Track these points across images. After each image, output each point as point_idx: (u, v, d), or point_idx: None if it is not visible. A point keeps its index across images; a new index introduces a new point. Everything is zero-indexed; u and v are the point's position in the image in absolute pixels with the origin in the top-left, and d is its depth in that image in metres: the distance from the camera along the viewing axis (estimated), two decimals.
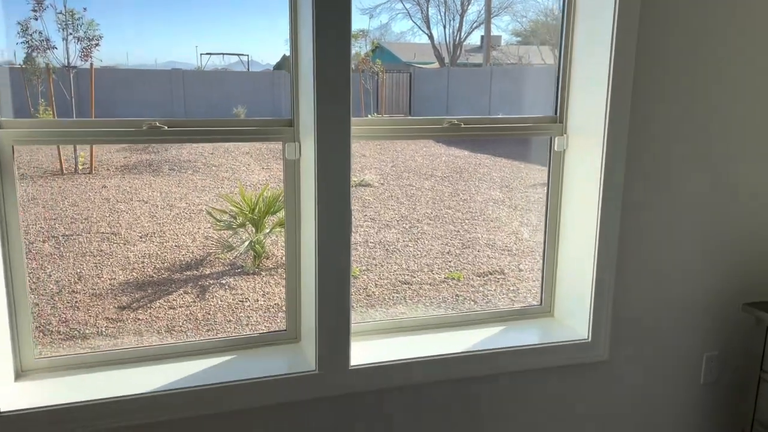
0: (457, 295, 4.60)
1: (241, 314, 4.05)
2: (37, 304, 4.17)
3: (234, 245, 4.96)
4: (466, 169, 8.76)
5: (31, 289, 4.41)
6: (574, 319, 2.20)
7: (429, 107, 14.99)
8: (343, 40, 1.75)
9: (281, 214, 4.93)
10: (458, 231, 6.00)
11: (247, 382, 1.80)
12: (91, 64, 9.31)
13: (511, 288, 4.81)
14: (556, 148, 2.22)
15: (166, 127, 1.85)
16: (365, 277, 4.73)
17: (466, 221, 6.31)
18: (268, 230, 4.91)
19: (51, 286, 4.45)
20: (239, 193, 5.01)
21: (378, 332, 2.14)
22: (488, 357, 2.03)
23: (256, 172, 7.86)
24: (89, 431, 1.71)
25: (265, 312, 4.09)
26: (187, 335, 3.80)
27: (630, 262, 2.16)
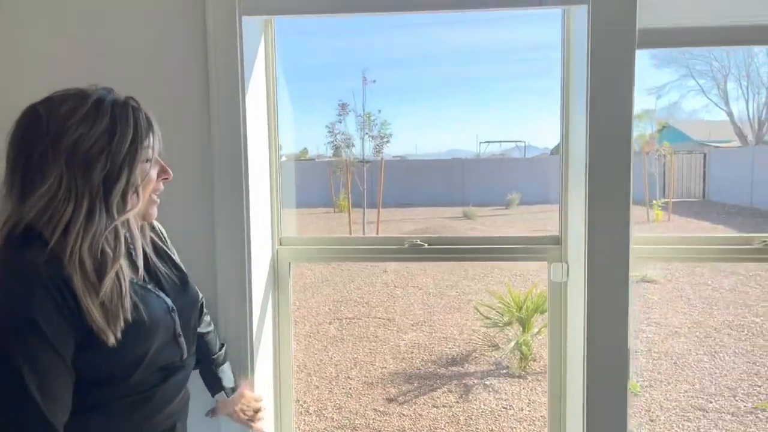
0: None
1: (504, 424, 3.80)
2: (318, 387, 4.48)
3: (500, 344, 4.77)
4: None
5: (314, 370, 4.80)
6: None
7: (728, 191, 13.29)
8: (623, 124, 1.52)
9: None
10: None
11: None
12: (382, 159, 10.41)
13: None
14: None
15: (426, 245, 1.82)
16: (647, 395, 4.10)
17: None
18: (536, 330, 4.62)
19: (331, 369, 4.78)
20: (506, 288, 4.85)
21: None
22: None
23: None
24: None
25: (529, 424, 3.78)
26: None
27: None
